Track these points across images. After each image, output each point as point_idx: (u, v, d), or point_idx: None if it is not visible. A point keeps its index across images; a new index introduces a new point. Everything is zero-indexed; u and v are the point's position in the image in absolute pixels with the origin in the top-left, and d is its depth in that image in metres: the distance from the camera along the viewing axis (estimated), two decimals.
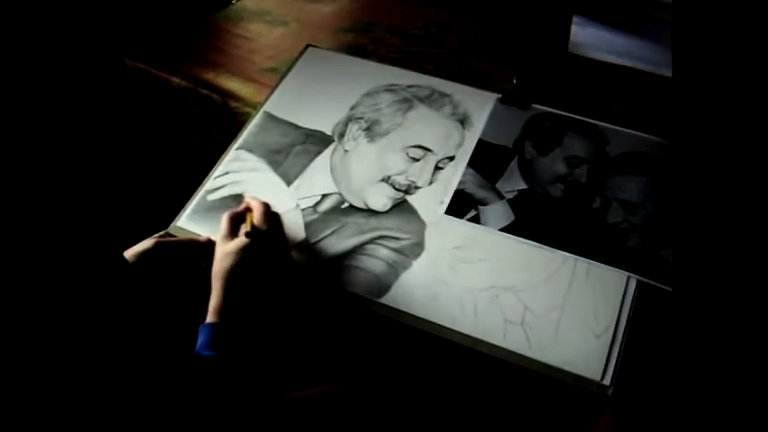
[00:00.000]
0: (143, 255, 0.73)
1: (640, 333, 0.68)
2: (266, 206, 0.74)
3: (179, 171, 0.99)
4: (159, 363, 0.57)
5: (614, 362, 0.65)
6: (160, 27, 1.08)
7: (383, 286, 0.72)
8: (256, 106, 0.91)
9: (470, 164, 0.82)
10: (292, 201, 0.80)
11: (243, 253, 0.68)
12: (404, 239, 0.76)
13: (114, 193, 1.07)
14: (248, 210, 0.74)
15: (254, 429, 0.60)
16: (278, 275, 0.71)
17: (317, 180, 0.82)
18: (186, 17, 1.12)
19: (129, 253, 0.73)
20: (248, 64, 1.02)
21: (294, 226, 0.77)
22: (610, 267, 0.72)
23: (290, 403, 0.66)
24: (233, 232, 0.71)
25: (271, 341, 0.68)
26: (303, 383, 0.69)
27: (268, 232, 0.71)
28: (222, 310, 0.65)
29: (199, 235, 0.77)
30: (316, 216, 0.78)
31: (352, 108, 0.88)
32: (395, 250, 0.75)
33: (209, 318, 0.65)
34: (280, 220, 0.75)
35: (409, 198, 0.79)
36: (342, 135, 0.86)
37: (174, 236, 0.78)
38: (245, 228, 0.71)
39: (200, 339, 0.63)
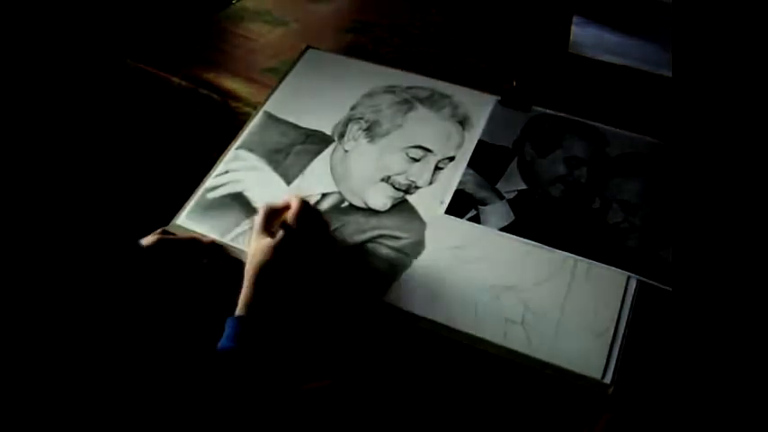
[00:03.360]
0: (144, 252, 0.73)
1: (640, 333, 0.68)
2: (303, 204, 0.72)
3: (179, 170, 0.99)
4: (170, 353, 0.58)
5: (614, 361, 0.65)
6: (160, 27, 1.08)
7: (383, 286, 0.72)
8: (256, 106, 0.91)
9: (470, 164, 0.82)
10: None
11: (274, 250, 0.68)
12: (404, 239, 0.76)
13: (114, 191, 1.07)
14: (287, 207, 0.73)
15: (265, 420, 0.61)
16: (310, 275, 0.71)
17: (317, 179, 0.82)
18: (186, 17, 1.12)
19: None
20: (248, 64, 1.02)
21: None
22: (610, 267, 0.72)
23: (298, 395, 0.66)
24: (267, 227, 0.71)
25: (288, 337, 0.69)
26: (304, 382, 0.69)
27: (301, 231, 0.70)
28: (250, 304, 0.66)
29: (202, 234, 0.77)
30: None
31: (352, 108, 0.88)
32: (395, 249, 0.75)
33: (239, 311, 0.66)
34: (319, 219, 0.75)
35: (409, 198, 0.79)
36: (342, 135, 0.86)
37: (175, 234, 0.78)
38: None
39: (227, 331, 0.64)
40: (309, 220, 0.72)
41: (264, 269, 0.67)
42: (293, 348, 0.71)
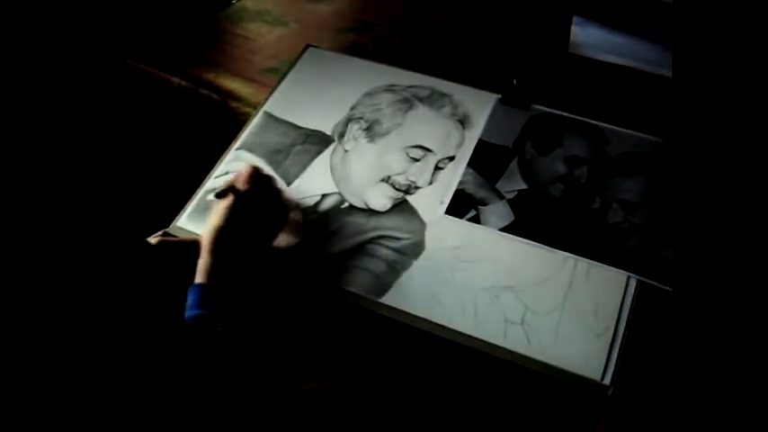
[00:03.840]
0: None
1: (640, 333, 0.68)
2: (252, 168, 0.75)
3: (179, 171, 0.99)
4: (170, 354, 0.58)
5: (614, 362, 0.65)
6: (160, 27, 1.09)
7: (383, 286, 0.72)
8: (256, 106, 0.91)
9: (470, 164, 0.82)
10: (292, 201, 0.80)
11: (223, 212, 0.70)
12: (404, 239, 0.76)
13: (115, 192, 1.07)
14: None
15: (264, 420, 0.61)
16: (260, 238, 0.72)
17: (317, 180, 0.82)
18: (186, 17, 1.12)
19: None
20: (248, 64, 1.02)
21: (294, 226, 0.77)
22: (610, 267, 0.72)
23: (298, 395, 0.67)
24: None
25: (273, 337, 0.69)
26: (304, 382, 0.69)
27: (251, 193, 0.72)
28: (209, 270, 0.67)
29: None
30: (316, 216, 0.78)
31: (352, 108, 0.88)
32: (395, 250, 0.75)
33: (198, 278, 0.67)
34: (269, 184, 0.76)
35: (409, 198, 0.79)
36: (342, 135, 0.86)
37: (175, 236, 0.78)
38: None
39: (190, 300, 0.65)
40: (259, 183, 0.74)
41: (218, 233, 0.69)
42: (293, 348, 0.71)
